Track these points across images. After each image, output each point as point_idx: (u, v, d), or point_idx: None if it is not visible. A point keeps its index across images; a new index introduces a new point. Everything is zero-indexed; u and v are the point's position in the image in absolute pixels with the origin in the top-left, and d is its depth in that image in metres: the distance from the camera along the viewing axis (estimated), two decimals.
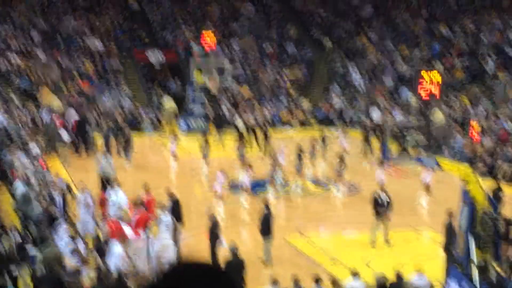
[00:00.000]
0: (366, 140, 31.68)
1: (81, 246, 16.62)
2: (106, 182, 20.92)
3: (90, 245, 18.19)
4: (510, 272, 16.68)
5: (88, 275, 15.41)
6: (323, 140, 28.45)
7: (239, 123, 33.60)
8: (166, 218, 17.35)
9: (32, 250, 16.62)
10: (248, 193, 23.16)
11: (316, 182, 26.99)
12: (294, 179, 25.44)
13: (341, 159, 25.81)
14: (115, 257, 15.99)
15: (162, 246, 17.13)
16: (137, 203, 18.67)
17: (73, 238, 16.84)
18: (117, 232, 16.73)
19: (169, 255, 17.20)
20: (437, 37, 44.88)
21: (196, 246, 19.53)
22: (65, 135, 29.25)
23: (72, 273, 15.68)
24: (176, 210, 18.47)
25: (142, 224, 17.64)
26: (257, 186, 24.92)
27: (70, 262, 15.83)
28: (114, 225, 16.90)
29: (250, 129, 33.37)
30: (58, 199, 19.47)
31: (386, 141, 31.05)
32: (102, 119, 34.42)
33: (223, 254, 16.73)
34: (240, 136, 31.13)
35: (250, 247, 19.61)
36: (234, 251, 15.83)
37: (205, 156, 27.31)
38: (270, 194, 23.87)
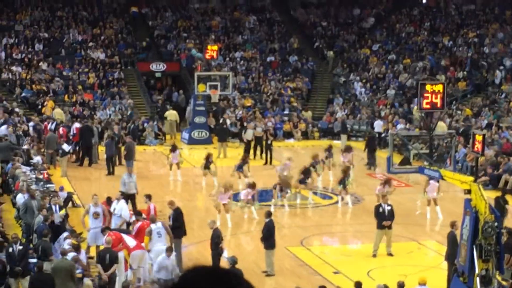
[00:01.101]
0: (369, 151, 31.57)
1: (82, 256, 16.56)
2: (128, 200, 20.84)
3: (93, 255, 18.14)
4: None
5: (87, 284, 15.35)
6: (328, 151, 28.35)
7: (243, 134, 33.53)
8: (156, 226, 17.31)
9: (33, 260, 16.57)
10: (250, 203, 23.07)
11: (320, 193, 26.89)
12: (297, 190, 25.33)
13: (345, 171, 25.71)
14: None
15: (156, 254, 17.07)
16: (139, 214, 18.65)
17: (75, 248, 16.78)
18: (118, 243, 16.68)
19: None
20: (440, 49, 44.90)
21: (197, 256, 19.46)
22: (66, 146, 29.16)
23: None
24: (177, 220, 18.41)
25: (144, 234, 17.58)
26: (260, 197, 24.84)
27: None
28: (116, 236, 16.84)
29: (253, 140, 33.30)
30: (55, 208, 19.41)
31: (389, 152, 30.93)
32: (104, 129, 34.42)
33: (224, 265, 16.64)
34: (246, 147, 31.09)
35: (252, 258, 19.53)
36: (232, 264, 15.73)
37: (207, 167, 27.22)
38: (273, 205, 23.78)
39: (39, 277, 15.03)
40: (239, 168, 26.58)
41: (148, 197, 19.85)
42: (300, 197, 25.20)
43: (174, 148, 28.41)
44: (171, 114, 38.90)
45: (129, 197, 21.16)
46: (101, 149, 31.37)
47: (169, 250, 16.28)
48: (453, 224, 17.25)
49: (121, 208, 19.22)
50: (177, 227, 18.03)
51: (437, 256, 19.52)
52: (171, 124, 38.56)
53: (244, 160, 26.90)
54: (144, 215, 18.55)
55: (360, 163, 31.51)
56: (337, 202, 25.18)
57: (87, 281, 15.58)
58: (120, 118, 37.56)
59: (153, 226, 17.30)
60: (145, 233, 17.32)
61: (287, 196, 24.53)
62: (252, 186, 22.79)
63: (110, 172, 29.17)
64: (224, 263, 17.02)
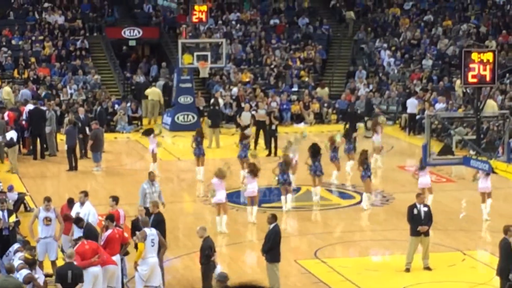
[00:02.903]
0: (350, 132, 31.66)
1: (39, 274, 16.55)
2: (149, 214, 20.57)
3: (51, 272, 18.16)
4: None
5: None
6: (347, 138, 28.36)
7: (241, 118, 33.55)
8: (150, 231, 17.36)
9: None
10: (250, 204, 23.10)
11: (338, 191, 26.92)
12: (310, 187, 25.37)
13: (368, 162, 25.68)
14: None
15: (149, 267, 17.08)
16: (110, 219, 18.61)
17: (29, 263, 16.77)
18: (93, 255, 16.66)
19: (159, 279, 17.20)
20: (490, 7, 44.80)
21: (183, 271, 19.48)
22: (13, 134, 29.02)
23: None
24: (157, 227, 18.40)
25: (115, 245, 17.58)
26: (262, 196, 24.86)
27: None
28: (90, 246, 16.85)
29: (254, 125, 33.31)
30: (2, 214, 19.37)
31: (426, 138, 30.96)
32: (64, 113, 34.38)
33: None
34: (242, 134, 31.11)
35: (252, 273, 19.54)
36: (223, 281, 15.55)
37: (196, 158, 27.27)
38: (283, 206, 23.85)
39: None
40: (243, 154, 26.66)
41: (115, 199, 19.63)
42: (315, 197, 25.21)
43: (148, 132, 28.45)
44: (154, 93, 38.89)
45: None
46: (61, 138, 31.35)
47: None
48: (507, 230, 17.25)
49: (88, 212, 19.20)
50: None
51: (487, 270, 19.54)
52: (153, 104, 38.55)
53: (245, 140, 27.13)
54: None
55: (390, 151, 31.59)
56: (359, 202, 25.18)
57: None
58: (84, 98, 37.56)
59: (147, 230, 17.37)
60: (139, 238, 17.33)
61: (298, 196, 24.51)
62: (253, 171, 22.89)
63: (72, 167, 29.17)
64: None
